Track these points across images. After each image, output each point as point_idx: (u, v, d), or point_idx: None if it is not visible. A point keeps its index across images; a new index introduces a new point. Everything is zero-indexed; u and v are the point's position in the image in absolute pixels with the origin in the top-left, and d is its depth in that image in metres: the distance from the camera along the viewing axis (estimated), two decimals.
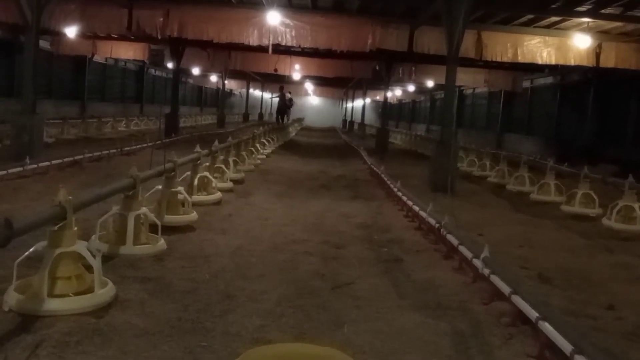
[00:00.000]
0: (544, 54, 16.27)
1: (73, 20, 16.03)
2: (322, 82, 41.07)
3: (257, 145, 16.08)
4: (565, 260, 6.47)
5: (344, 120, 48.70)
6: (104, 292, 4.03)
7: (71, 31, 17.01)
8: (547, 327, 3.64)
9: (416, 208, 7.88)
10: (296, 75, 27.45)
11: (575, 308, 4.74)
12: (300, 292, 4.67)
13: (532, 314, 3.86)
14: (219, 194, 8.65)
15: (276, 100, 33.70)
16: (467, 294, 4.90)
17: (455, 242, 5.85)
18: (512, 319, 4.20)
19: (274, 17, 15.28)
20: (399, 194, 9.33)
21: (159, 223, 5.68)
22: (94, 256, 4.07)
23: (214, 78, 40.56)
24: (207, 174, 8.65)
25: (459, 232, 6.23)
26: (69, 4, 15.38)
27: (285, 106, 31.14)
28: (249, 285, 4.73)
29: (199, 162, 8.32)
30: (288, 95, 31.55)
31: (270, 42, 16.02)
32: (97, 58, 28.24)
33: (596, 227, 8.87)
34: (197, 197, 7.94)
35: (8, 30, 20.38)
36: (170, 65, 23.88)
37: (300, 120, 42.60)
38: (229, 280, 4.85)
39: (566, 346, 3.36)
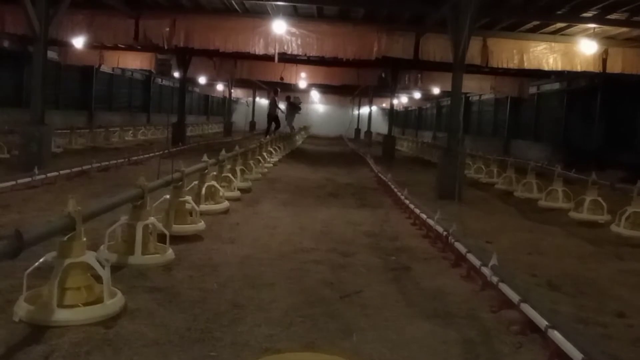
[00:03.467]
0: (550, 60, 16.25)
1: (80, 31, 16.13)
2: (329, 90, 41.14)
3: (264, 153, 16.11)
4: (574, 268, 6.45)
5: (351, 128, 48.73)
6: (113, 302, 4.04)
7: (78, 42, 17.11)
8: (556, 335, 3.62)
9: (424, 216, 7.88)
10: (302, 84, 27.48)
11: (584, 316, 4.71)
12: (308, 301, 4.67)
13: (542, 322, 3.85)
14: (226, 203, 8.66)
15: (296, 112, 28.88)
16: (476, 302, 4.89)
17: (463, 249, 5.84)
18: (521, 327, 4.18)
19: (279, 26, 15.33)
20: (406, 201, 9.33)
21: (167, 233, 5.69)
22: (103, 266, 4.08)
23: (220, 87, 40.70)
24: (214, 183, 8.66)
25: (467, 239, 6.24)
26: (76, 15, 15.47)
27: (290, 112, 27.65)
28: (258, 295, 4.73)
29: (206, 171, 8.34)
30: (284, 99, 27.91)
31: (276, 51, 16.07)
32: (104, 68, 28.46)
33: (605, 233, 8.83)
34: (204, 207, 7.95)
35: (17, 42, 20.58)
36: (176, 74, 24.00)
37: (306, 128, 42.56)
38: (238, 289, 4.85)
39: (576, 354, 3.35)
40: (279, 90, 26.35)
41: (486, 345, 3.97)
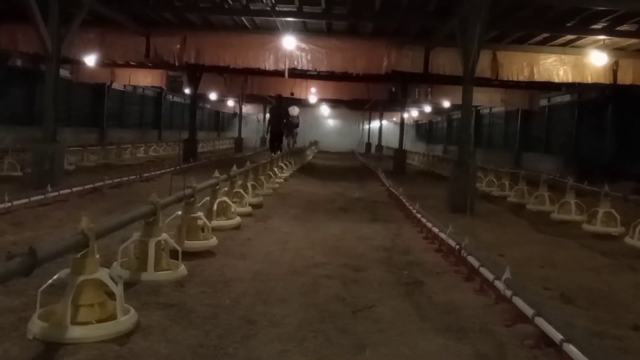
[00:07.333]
0: (561, 72, 16.24)
1: (92, 49, 16.32)
2: (339, 105, 41.27)
3: (275, 169, 16.13)
4: (588, 280, 6.40)
5: (361, 142, 48.83)
6: (126, 319, 4.05)
7: (90, 60, 17.31)
8: (572, 349, 3.59)
9: (435, 229, 7.85)
10: (312, 99, 27.57)
11: (600, 329, 4.67)
12: (321, 316, 4.65)
13: (557, 335, 3.81)
14: (238, 219, 8.67)
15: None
16: (490, 316, 4.86)
17: (476, 263, 5.81)
18: (535, 341, 4.14)
19: (289, 42, 15.44)
20: (418, 215, 9.30)
21: (179, 249, 5.70)
22: (115, 283, 4.09)
23: (230, 103, 40.91)
24: (226, 198, 8.68)
25: (480, 253, 6.20)
26: (87, 33, 15.65)
27: (289, 126, 24.02)
28: (270, 310, 4.72)
29: (217, 187, 8.36)
30: (295, 110, 24.41)
31: (287, 67, 16.17)
32: (116, 85, 28.72)
33: (619, 245, 8.74)
34: (216, 222, 7.96)
35: (29, 60, 20.79)
36: (187, 91, 24.18)
37: (315, 143, 42.56)
38: (250, 305, 4.85)
39: None
40: (281, 96, 22.54)
41: (500, 359, 3.94)
